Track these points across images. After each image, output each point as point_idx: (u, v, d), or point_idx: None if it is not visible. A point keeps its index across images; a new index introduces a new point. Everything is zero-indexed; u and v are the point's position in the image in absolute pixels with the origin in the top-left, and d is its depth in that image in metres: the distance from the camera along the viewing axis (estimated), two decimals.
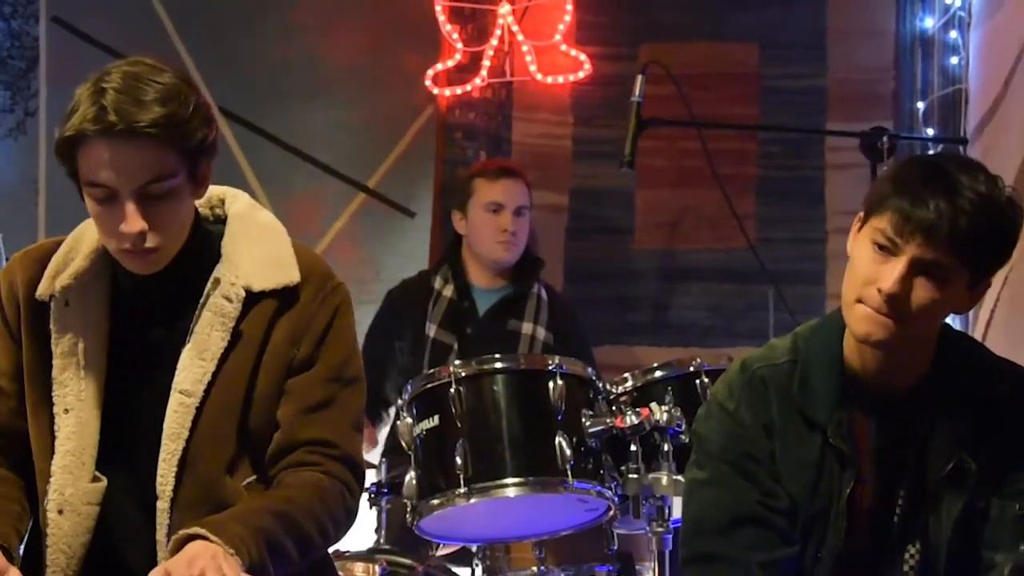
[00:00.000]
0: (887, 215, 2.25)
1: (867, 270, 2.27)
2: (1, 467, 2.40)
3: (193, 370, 2.34)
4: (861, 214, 2.34)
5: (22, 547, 2.37)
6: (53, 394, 2.36)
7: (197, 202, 2.41)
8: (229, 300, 2.36)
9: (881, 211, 2.26)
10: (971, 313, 4.37)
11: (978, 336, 4.10)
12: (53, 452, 2.35)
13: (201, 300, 2.37)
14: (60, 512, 2.34)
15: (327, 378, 2.40)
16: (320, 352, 2.39)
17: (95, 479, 2.36)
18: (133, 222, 2.24)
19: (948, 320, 2.44)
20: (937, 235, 2.21)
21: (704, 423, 2.46)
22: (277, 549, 2.24)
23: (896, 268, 2.23)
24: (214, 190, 2.46)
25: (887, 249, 2.25)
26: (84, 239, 2.41)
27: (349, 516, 2.40)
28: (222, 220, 2.46)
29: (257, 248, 2.41)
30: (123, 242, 2.27)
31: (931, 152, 4.41)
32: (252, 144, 5.09)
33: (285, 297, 2.39)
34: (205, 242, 2.41)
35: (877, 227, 2.26)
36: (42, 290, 2.38)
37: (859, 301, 2.28)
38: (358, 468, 2.43)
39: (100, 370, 2.38)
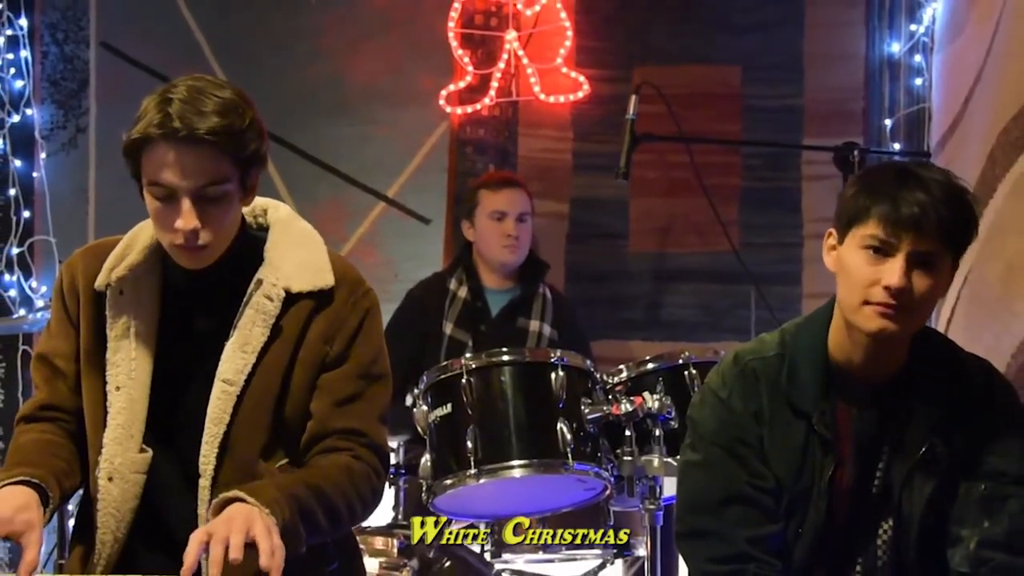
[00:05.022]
0: (873, 221, 2.25)
1: (866, 273, 2.26)
2: (57, 435, 2.40)
3: (235, 361, 2.34)
4: (832, 230, 2.33)
5: (74, 507, 2.36)
6: (107, 373, 2.37)
7: (244, 211, 2.41)
8: (270, 299, 2.36)
9: (865, 219, 2.26)
10: (934, 310, 4.35)
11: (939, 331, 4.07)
12: (105, 425, 2.36)
13: (245, 298, 2.36)
14: (110, 479, 2.34)
15: (357, 374, 2.39)
16: (351, 351, 2.39)
17: (142, 451, 2.36)
18: (188, 219, 2.24)
19: None
20: (925, 227, 2.23)
21: (699, 409, 2.44)
22: (308, 516, 2.23)
23: (897, 264, 2.24)
24: (258, 201, 2.47)
25: (882, 251, 2.25)
26: (140, 237, 2.42)
27: (375, 496, 2.40)
28: (264, 228, 2.46)
29: (296, 253, 2.41)
30: (177, 237, 2.27)
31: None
32: (282, 157, 5.07)
33: (320, 299, 2.39)
34: (250, 246, 2.41)
35: (867, 234, 2.26)
36: (100, 281, 2.39)
37: (865, 303, 2.27)
38: (384, 455, 2.43)
39: (150, 354, 2.38)
